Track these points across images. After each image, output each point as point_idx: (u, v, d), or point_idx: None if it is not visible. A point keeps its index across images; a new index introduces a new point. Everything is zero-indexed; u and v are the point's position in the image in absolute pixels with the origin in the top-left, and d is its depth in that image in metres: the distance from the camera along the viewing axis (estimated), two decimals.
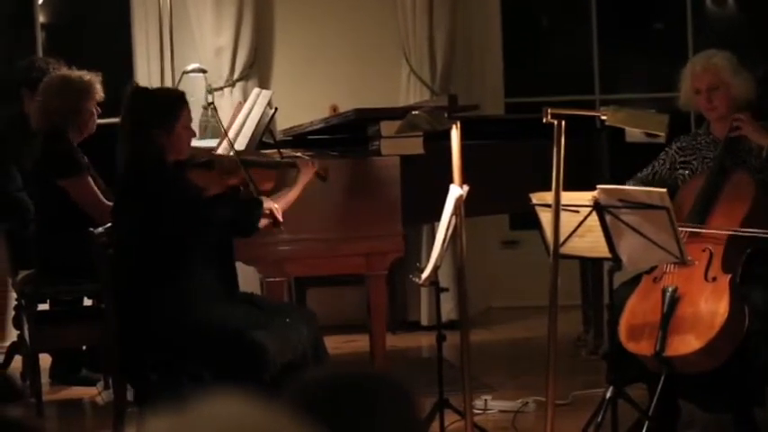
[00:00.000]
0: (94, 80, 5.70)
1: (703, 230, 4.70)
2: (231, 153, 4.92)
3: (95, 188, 5.58)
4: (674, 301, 4.57)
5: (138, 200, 4.61)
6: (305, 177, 4.95)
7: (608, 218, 4.30)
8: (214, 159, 4.90)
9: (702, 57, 5.05)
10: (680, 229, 4.37)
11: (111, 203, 5.51)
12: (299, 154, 5.82)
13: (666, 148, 5.10)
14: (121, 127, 4.73)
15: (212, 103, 5.64)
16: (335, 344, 6.33)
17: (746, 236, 4.69)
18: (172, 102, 4.70)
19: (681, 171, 5.03)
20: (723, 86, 4.92)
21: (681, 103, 5.10)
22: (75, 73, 5.74)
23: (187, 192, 4.58)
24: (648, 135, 5.05)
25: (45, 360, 5.97)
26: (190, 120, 4.77)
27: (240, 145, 5.62)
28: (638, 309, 4.67)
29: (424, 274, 4.61)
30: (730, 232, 4.67)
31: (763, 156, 4.87)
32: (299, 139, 6.26)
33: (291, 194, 4.89)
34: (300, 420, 1.41)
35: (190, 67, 6.65)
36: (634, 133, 5.66)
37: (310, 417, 1.46)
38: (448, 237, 4.57)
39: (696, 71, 4.97)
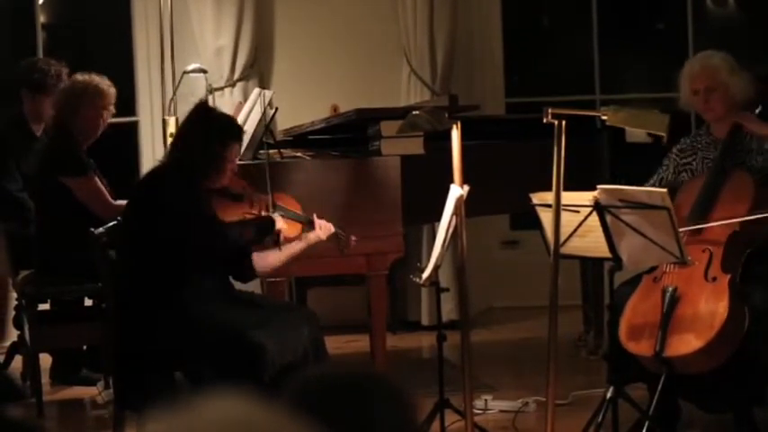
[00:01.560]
0: (104, 84, 5.73)
1: (704, 226, 4.70)
2: (268, 196, 4.89)
3: (102, 187, 5.59)
4: (674, 301, 4.57)
5: (153, 205, 4.60)
6: (314, 236, 4.90)
7: (608, 218, 4.30)
8: (245, 193, 4.88)
9: (700, 58, 5.05)
10: (682, 229, 4.37)
11: (116, 202, 5.54)
12: (299, 154, 5.82)
13: (668, 153, 5.10)
14: (177, 135, 4.76)
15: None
16: (336, 344, 6.33)
17: (747, 236, 4.69)
18: (228, 132, 4.68)
19: (684, 174, 5.03)
20: (720, 87, 4.92)
21: (681, 104, 5.10)
22: (86, 76, 5.75)
23: (202, 212, 4.57)
24: (649, 135, 5.07)
25: (45, 360, 5.97)
26: (236, 156, 4.75)
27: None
28: (639, 309, 4.67)
29: (425, 274, 4.61)
30: (732, 221, 4.66)
31: (765, 147, 4.87)
32: (300, 138, 6.26)
33: (296, 249, 4.84)
34: (299, 420, 1.41)
35: (190, 67, 6.65)
36: (635, 133, 5.67)
37: (309, 416, 1.46)
38: (448, 237, 4.57)
39: (693, 72, 4.97)
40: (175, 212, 4.55)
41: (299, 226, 4.94)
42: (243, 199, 4.84)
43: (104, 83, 5.75)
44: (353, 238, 5.05)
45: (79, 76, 5.79)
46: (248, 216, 4.82)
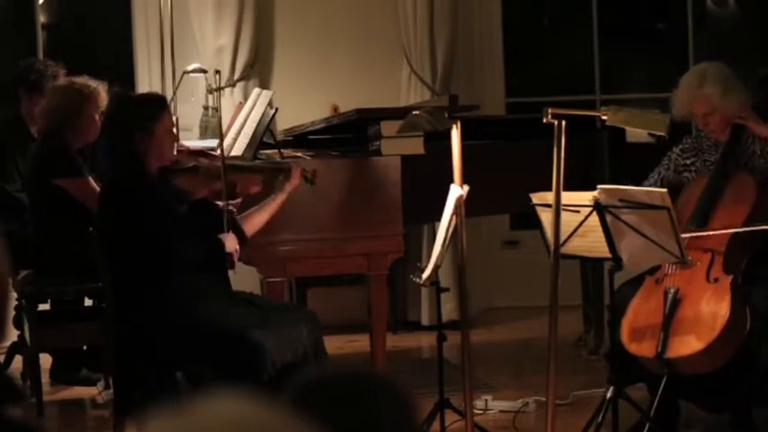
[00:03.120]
0: (100, 88, 5.71)
1: (703, 234, 4.70)
2: (217, 158, 4.90)
3: (96, 186, 5.59)
4: (676, 302, 4.57)
5: (119, 207, 4.61)
6: (291, 184, 4.93)
7: (608, 218, 4.30)
8: (199, 164, 4.89)
9: (692, 83, 4.93)
10: (683, 235, 4.37)
11: None
12: (299, 154, 5.82)
13: (669, 153, 5.09)
14: (103, 132, 4.75)
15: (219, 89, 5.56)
16: (336, 344, 6.33)
17: (748, 237, 4.69)
18: (152, 105, 4.71)
19: (685, 174, 5.03)
20: (716, 111, 4.90)
21: (676, 116, 5.06)
22: (82, 79, 5.75)
23: (161, 207, 4.58)
24: (650, 135, 5.06)
25: (45, 360, 5.97)
26: (171, 124, 4.77)
27: (241, 145, 5.62)
28: (641, 310, 4.67)
29: (425, 274, 4.61)
30: (729, 231, 4.66)
31: (766, 151, 4.87)
32: (300, 139, 6.26)
33: (277, 201, 4.90)
34: (299, 420, 1.41)
35: (190, 67, 6.65)
36: (635, 133, 5.66)
37: (309, 416, 1.45)
38: (448, 237, 4.57)
39: (689, 100, 4.93)
40: (144, 212, 4.55)
41: (255, 178, 4.97)
42: (198, 171, 4.86)
43: (98, 83, 5.75)
44: (314, 169, 5.05)
45: (77, 79, 5.77)
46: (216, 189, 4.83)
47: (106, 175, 4.75)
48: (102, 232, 4.71)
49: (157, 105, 4.72)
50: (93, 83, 5.73)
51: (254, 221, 4.86)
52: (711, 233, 4.69)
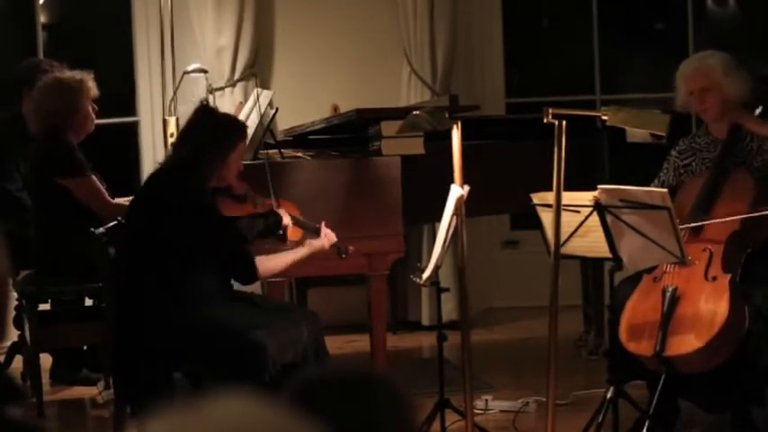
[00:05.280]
0: (87, 78, 5.68)
1: (705, 223, 4.70)
2: (271, 199, 4.89)
3: (100, 186, 5.59)
4: (675, 300, 4.57)
5: (159, 205, 4.60)
6: (318, 243, 4.89)
7: (609, 218, 4.30)
8: (248, 195, 4.89)
9: (695, 58, 5.06)
10: (683, 226, 4.38)
11: (114, 201, 5.55)
12: (299, 154, 5.83)
13: (667, 157, 5.10)
14: (179, 136, 4.76)
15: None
16: (337, 344, 6.33)
17: (747, 235, 4.69)
18: (232, 131, 4.71)
19: (684, 175, 5.03)
20: (715, 87, 4.91)
21: (677, 105, 5.09)
22: (67, 73, 5.73)
23: (211, 212, 4.58)
24: (651, 135, 5.07)
25: (45, 360, 5.97)
26: (244, 152, 4.79)
27: None
28: (639, 309, 4.67)
29: (425, 275, 4.62)
30: (734, 218, 4.66)
31: (765, 147, 4.87)
32: (300, 139, 6.26)
33: (297, 254, 4.83)
34: (300, 419, 1.41)
35: (190, 67, 6.65)
36: (635, 133, 5.67)
37: (309, 416, 1.46)
38: (449, 237, 4.57)
39: (688, 73, 4.97)
40: (182, 212, 4.55)
41: (299, 231, 4.95)
42: (246, 200, 4.85)
43: (84, 74, 5.73)
44: (351, 248, 5.05)
45: (59, 74, 5.74)
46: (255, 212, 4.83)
47: (156, 175, 4.75)
48: (130, 222, 4.70)
49: (237, 133, 4.72)
50: (78, 74, 5.69)
51: (273, 263, 4.78)
52: (714, 221, 4.68)
